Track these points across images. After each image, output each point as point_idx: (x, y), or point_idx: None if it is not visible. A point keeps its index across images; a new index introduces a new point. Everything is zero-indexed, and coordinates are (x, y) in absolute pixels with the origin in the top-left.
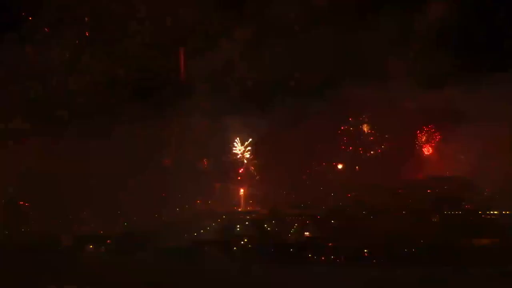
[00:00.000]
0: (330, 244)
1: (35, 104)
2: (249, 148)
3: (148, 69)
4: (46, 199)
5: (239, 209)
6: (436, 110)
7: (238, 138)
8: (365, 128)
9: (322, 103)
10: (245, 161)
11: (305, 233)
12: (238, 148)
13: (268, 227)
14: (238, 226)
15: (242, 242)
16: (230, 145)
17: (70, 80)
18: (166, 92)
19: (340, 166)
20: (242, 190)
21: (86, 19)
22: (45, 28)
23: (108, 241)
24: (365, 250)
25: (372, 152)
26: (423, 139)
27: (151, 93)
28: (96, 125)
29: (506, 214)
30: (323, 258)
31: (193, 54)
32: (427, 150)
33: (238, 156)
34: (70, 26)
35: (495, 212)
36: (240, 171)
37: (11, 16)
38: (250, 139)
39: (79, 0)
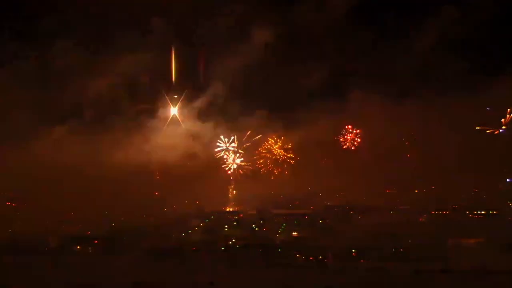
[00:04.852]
0: (318, 244)
1: (29, 106)
2: (234, 144)
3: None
4: (34, 200)
5: (227, 209)
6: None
7: (222, 136)
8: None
9: (317, 106)
10: (232, 159)
11: (293, 233)
12: (224, 144)
13: (256, 227)
14: (226, 226)
15: (230, 242)
16: (217, 144)
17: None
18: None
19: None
20: (230, 190)
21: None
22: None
23: (96, 241)
24: (353, 250)
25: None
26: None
27: (138, 97)
28: (86, 127)
29: (492, 214)
30: (311, 258)
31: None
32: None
33: (224, 152)
34: (85, 30)
35: (482, 212)
36: (228, 171)
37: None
38: (235, 136)
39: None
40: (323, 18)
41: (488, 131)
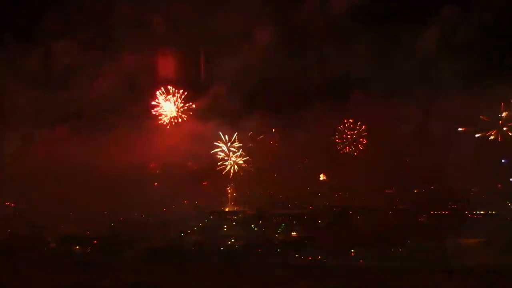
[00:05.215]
0: (317, 244)
1: (28, 106)
2: (237, 143)
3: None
4: (32, 200)
5: (226, 209)
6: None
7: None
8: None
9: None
10: (231, 159)
11: (292, 233)
12: (223, 144)
13: (255, 227)
14: (225, 226)
15: (228, 242)
16: (216, 143)
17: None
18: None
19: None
20: (229, 190)
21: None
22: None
23: (95, 241)
24: (352, 250)
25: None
26: None
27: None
28: (85, 127)
29: (492, 214)
30: (310, 258)
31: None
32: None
33: (223, 152)
34: (89, 31)
35: (482, 212)
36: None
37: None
38: (236, 133)
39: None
40: (326, 18)
41: (477, 135)
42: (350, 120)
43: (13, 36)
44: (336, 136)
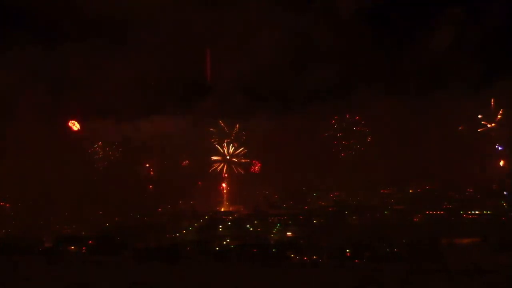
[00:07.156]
0: (312, 244)
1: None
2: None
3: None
4: (28, 201)
5: (221, 209)
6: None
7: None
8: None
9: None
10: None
11: (287, 233)
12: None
13: (250, 227)
14: (220, 226)
15: (224, 243)
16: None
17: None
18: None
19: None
20: (224, 190)
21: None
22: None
23: (90, 241)
24: (347, 250)
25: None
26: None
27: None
28: (80, 128)
29: (486, 213)
30: (305, 258)
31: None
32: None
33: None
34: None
35: (476, 212)
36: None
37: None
38: (238, 125)
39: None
40: (333, 20)
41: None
42: (347, 115)
43: None
44: (332, 133)
